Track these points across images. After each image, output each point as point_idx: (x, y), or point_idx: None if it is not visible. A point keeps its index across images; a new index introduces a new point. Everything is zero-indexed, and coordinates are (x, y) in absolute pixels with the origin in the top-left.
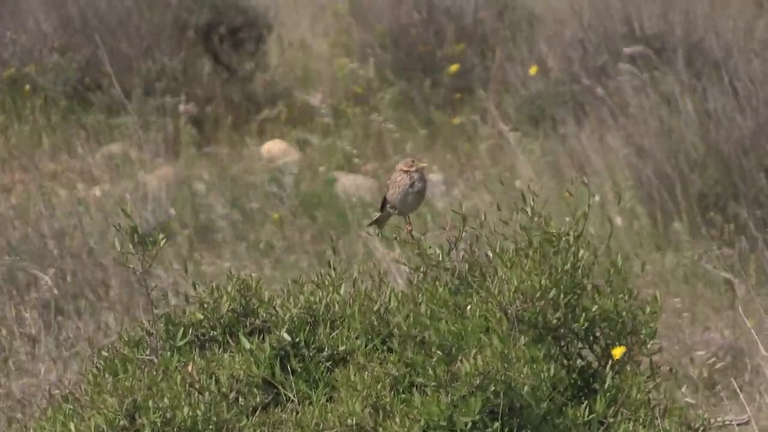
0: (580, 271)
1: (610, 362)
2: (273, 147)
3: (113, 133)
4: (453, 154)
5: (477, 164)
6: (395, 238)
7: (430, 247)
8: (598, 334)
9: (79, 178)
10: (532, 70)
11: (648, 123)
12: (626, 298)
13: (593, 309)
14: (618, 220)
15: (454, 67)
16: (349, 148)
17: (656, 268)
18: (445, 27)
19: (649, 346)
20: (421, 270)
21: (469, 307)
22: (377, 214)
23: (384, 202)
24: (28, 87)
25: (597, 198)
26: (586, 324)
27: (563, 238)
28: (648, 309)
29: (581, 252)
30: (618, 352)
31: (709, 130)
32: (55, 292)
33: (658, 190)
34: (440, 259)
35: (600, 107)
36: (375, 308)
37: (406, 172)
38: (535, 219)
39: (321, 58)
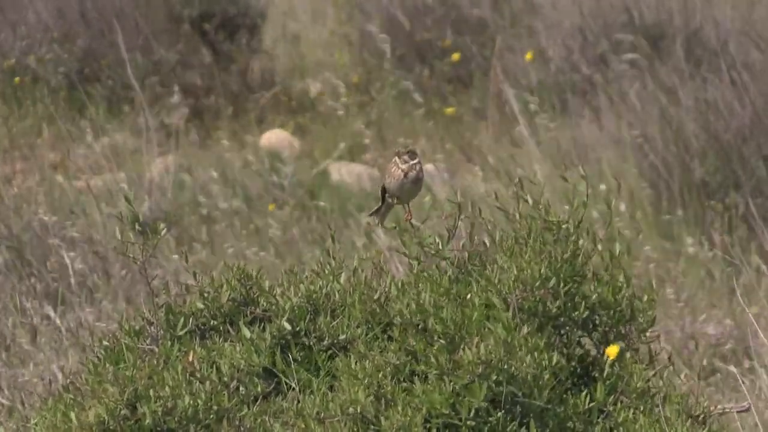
0: (579, 259)
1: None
2: (272, 136)
3: (114, 123)
4: (454, 143)
5: (478, 153)
6: (395, 227)
7: (429, 236)
8: (597, 322)
9: (79, 167)
10: (528, 56)
11: (648, 111)
12: (625, 285)
13: (593, 297)
14: (622, 207)
15: (455, 56)
16: (348, 138)
17: (658, 256)
18: (444, 16)
19: (647, 334)
20: (421, 259)
21: (469, 296)
22: (375, 206)
23: (383, 190)
24: (28, 77)
25: (604, 187)
26: (586, 312)
27: (563, 227)
28: (645, 297)
29: (581, 240)
30: (613, 351)
31: (708, 119)
32: (56, 281)
33: (658, 178)
34: (440, 248)
35: (600, 96)
36: (375, 297)
37: (398, 164)
38: (536, 207)
39: (320, 48)
